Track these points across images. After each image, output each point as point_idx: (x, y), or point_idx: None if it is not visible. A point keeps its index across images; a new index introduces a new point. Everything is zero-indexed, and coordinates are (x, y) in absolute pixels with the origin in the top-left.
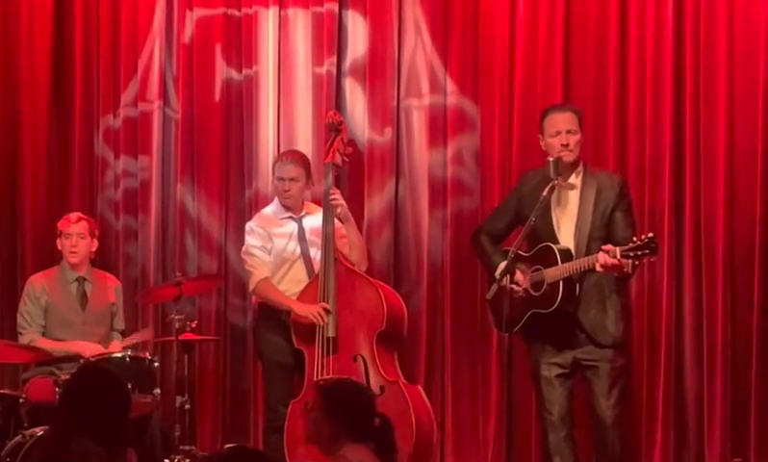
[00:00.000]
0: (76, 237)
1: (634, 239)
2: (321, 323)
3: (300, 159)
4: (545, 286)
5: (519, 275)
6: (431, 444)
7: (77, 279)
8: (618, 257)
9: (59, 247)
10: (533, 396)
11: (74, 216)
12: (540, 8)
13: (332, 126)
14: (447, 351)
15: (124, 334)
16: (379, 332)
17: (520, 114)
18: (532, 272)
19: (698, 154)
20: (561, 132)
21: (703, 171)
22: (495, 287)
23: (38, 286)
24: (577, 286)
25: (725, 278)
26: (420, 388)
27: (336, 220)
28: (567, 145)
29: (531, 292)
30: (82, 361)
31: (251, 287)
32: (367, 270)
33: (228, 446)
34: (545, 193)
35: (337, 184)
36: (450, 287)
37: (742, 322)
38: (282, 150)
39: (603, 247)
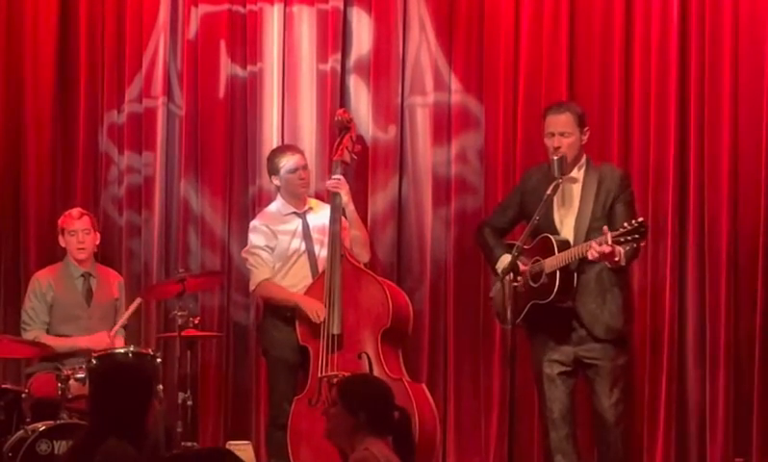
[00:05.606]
0: (82, 233)
1: (625, 224)
2: (317, 321)
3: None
4: (543, 276)
5: (520, 266)
6: (434, 442)
7: (83, 275)
8: (609, 242)
9: (62, 245)
10: (535, 394)
11: (76, 212)
12: (545, 6)
13: (341, 124)
14: (449, 349)
15: (126, 329)
16: (384, 330)
17: (524, 112)
18: (532, 264)
19: (702, 153)
20: (555, 134)
21: (707, 171)
22: (498, 284)
23: (43, 282)
24: (575, 276)
25: (728, 278)
26: (424, 386)
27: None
28: (558, 149)
29: (531, 283)
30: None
31: (252, 287)
32: (370, 268)
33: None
34: (549, 192)
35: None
36: (453, 285)
37: (745, 322)
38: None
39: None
